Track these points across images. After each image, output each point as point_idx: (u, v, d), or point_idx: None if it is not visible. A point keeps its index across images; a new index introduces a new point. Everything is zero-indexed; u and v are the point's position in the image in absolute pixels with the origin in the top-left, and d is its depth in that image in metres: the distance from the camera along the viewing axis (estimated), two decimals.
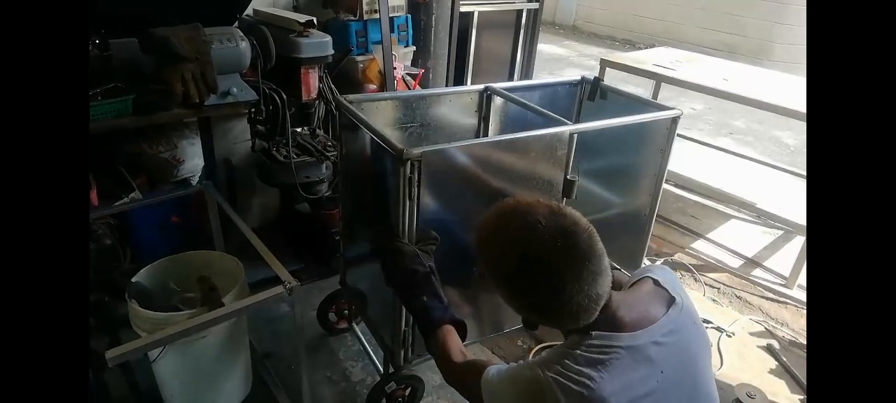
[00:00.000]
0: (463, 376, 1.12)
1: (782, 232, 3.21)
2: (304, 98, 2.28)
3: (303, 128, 2.39)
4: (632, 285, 1.14)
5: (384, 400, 1.80)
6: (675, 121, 1.97)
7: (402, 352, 1.71)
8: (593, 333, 0.95)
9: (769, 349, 2.33)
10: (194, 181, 2.45)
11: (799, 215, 2.77)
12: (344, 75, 2.57)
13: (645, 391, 0.95)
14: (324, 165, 2.36)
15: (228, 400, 1.80)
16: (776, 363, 2.26)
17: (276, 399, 1.89)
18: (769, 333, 2.44)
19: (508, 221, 0.96)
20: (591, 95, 2.32)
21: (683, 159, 3.35)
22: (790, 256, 2.82)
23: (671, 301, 1.05)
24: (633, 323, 0.98)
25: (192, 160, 2.35)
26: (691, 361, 1.03)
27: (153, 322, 1.52)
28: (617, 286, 1.04)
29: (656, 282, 1.08)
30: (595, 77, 2.34)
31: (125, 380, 1.81)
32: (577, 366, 0.91)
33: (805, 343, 2.38)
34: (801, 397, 2.09)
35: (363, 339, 2.10)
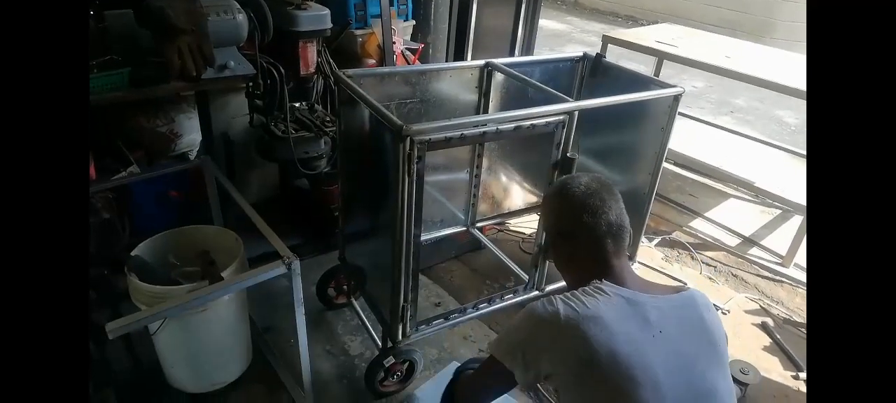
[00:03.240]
0: (475, 376, 1.26)
1: (780, 211, 3.22)
2: (303, 72, 2.25)
3: (301, 103, 2.37)
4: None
5: (382, 374, 1.82)
6: (676, 99, 1.96)
7: (401, 327, 1.72)
8: (599, 280, 1.08)
9: (764, 326, 2.36)
10: (192, 155, 2.44)
11: (797, 194, 2.78)
12: (342, 49, 2.53)
13: (641, 337, 1.00)
14: (322, 141, 2.34)
15: (228, 373, 1.82)
16: (770, 340, 2.29)
17: (276, 373, 1.92)
18: (764, 311, 2.46)
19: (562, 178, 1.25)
20: (592, 72, 2.30)
21: (683, 137, 3.34)
22: (787, 235, 2.83)
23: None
24: (636, 286, 1.09)
25: (190, 134, 2.33)
26: (697, 339, 1.05)
27: (153, 295, 1.52)
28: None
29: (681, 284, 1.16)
30: (597, 53, 2.32)
31: (127, 353, 1.83)
32: (579, 295, 1.05)
33: (799, 321, 2.41)
34: (794, 373, 2.12)
35: (362, 314, 2.12)
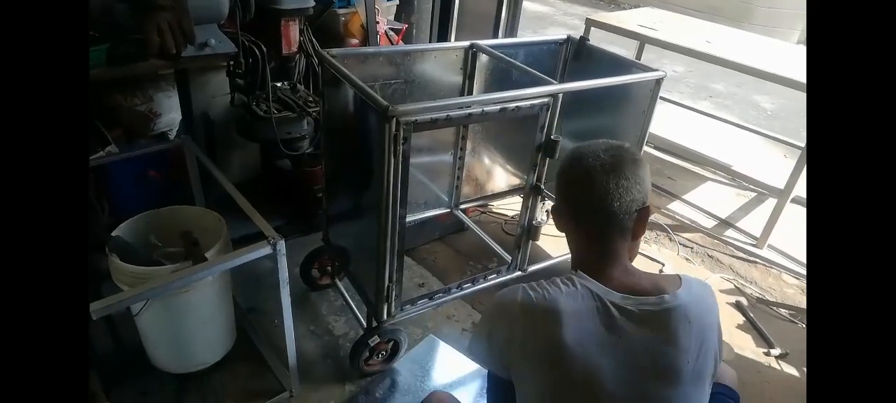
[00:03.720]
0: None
1: (755, 194, 3.30)
2: (285, 51, 2.22)
3: (283, 83, 2.34)
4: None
5: (367, 353, 1.84)
6: (658, 82, 1.99)
7: (386, 307, 1.74)
8: (576, 272, 1.04)
9: (738, 306, 2.43)
10: (171, 135, 2.40)
11: (772, 178, 2.86)
12: (325, 28, 2.50)
13: (598, 339, 0.95)
14: (305, 121, 2.32)
15: (213, 354, 1.82)
16: (744, 319, 2.37)
17: (260, 353, 1.92)
18: (738, 291, 2.54)
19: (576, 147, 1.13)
20: (576, 55, 2.32)
21: (663, 121, 3.39)
22: (762, 218, 2.91)
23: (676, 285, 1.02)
24: (621, 282, 1.02)
25: (169, 113, 2.29)
26: (663, 352, 0.97)
27: (135, 276, 1.51)
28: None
29: (680, 278, 1.05)
30: (580, 36, 2.33)
31: (109, 335, 1.81)
32: (546, 284, 1.02)
33: (771, 300, 2.49)
34: (765, 350, 2.20)
35: (346, 295, 2.13)
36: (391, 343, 1.89)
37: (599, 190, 1.02)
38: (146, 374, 1.77)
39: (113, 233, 1.64)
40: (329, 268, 2.24)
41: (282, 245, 1.48)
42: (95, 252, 1.76)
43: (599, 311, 0.97)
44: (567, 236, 1.13)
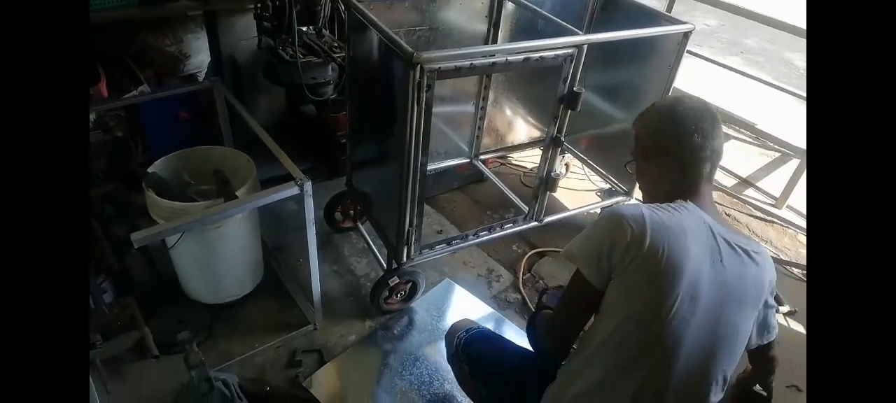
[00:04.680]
0: (556, 312, 1.22)
1: (779, 154, 3.26)
2: None
3: (308, 27, 2.35)
4: None
5: (387, 292, 1.93)
6: (686, 36, 1.95)
7: (406, 250, 1.81)
8: (684, 200, 1.11)
9: None
10: (200, 77, 2.46)
11: (797, 138, 2.81)
12: None
13: (705, 259, 1.04)
14: (330, 67, 2.35)
15: (242, 287, 1.93)
16: None
17: (286, 288, 2.03)
18: None
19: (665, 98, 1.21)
20: (603, 6, 2.28)
21: (689, 77, 3.33)
22: (783, 178, 2.89)
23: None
24: (715, 215, 1.12)
25: (198, 55, 2.34)
26: (744, 278, 1.08)
27: (171, 210, 1.60)
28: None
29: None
30: None
31: (146, 266, 1.92)
32: (665, 206, 1.09)
33: (785, 259, 2.51)
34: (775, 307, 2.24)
35: (368, 238, 2.21)
36: (410, 284, 1.98)
37: (707, 127, 1.11)
38: (181, 303, 1.89)
39: (149, 170, 1.72)
40: (352, 212, 2.32)
41: (309, 186, 1.54)
42: (131, 187, 1.86)
43: (710, 236, 1.07)
44: (652, 183, 1.20)
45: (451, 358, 1.52)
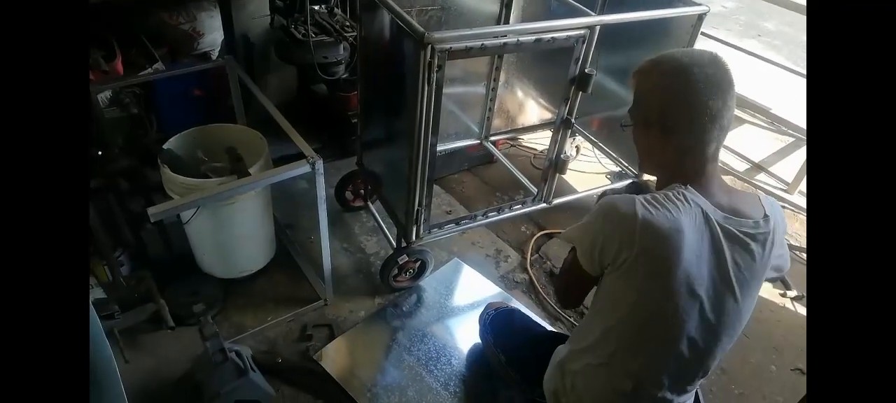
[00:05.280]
0: (567, 272, 1.24)
1: (793, 139, 3.23)
2: None
3: (321, 6, 2.36)
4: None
5: (396, 270, 1.96)
6: (700, 18, 1.93)
7: (415, 229, 1.84)
8: (685, 186, 1.04)
9: None
10: (213, 55, 2.48)
11: None
12: None
13: (704, 253, 1.00)
14: (341, 46, 2.36)
15: (254, 262, 1.97)
16: None
17: (298, 265, 2.07)
18: None
19: (677, 51, 1.09)
20: None
21: None
22: (796, 163, 2.86)
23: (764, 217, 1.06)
24: (719, 196, 1.05)
25: (212, 34, 2.36)
26: (745, 271, 1.05)
27: (186, 186, 1.63)
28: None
29: (760, 198, 1.09)
30: None
31: (161, 241, 1.97)
32: (661, 200, 1.02)
33: (794, 244, 2.50)
34: (782, 291, 2.25)
35: (378, 217, 2.24)
36: (418, 263, 2.01)
37: (716, 106, 0.99)
38: (196, 277, 1.94)
39: (164, 147, 1.75)
40: (362, 191, 2.35)
41: (320, 164, 1.57)
42: (146, 163, 1.89)
43: (708, 230, 1.01)
44: (653, 161, 1.12)
45: (480, 329, 1.73)
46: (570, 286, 1.26)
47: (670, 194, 1.03)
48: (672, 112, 1.04)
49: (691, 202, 1.01)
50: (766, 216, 1.06)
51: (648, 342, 1.10)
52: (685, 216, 1.00)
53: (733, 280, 1.05)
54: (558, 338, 1.47)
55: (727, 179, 2.88)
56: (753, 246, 1.05)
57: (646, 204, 1.00)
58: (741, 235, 1.04)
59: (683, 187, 1.04)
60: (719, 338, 1.10)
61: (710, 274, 1.03)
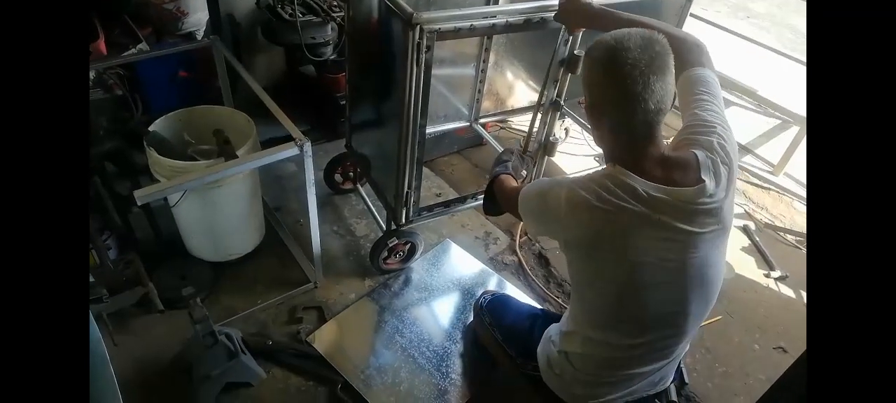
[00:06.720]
0: (509, 198, 1.38)
1: (779, 121, 3.26)
2: None
3: None
4: (676, 144, 1.15)
5: (386, 252, 1.97)
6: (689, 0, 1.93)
7: (404, 211, 1.84)
8: (618, 167, 1.07)
9: (745, 229, 2.50)
10: (199, 35, 2.44)
11: (797, 104, 2.81)
12: None
13: (636, 229, 1.05)
14: (329, 26, 2.33)
15: (244, 246, 1.97)
16: (749, 241, 2.44)
17: (287, 247, 2.07)
18: (748, 215, 2.59)
19: (611, 34, 1.06)
20: None
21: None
22: (782, 145, 2.90)
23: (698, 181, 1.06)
24: (655, 176, 1.06)
25: (196, 13, 2.32)
26: (690, 240, 1.08)
27: (173, 169, 1.62)
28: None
29: (696, 158, 1.08)
30: None
31: (149, 224, 1.95)
32: (589, 181, 1.08)
33: (779, 226, 2.55)
34: (766, 272, 2.29)
35: (367, 199, 2.24)
36: (408, 245, 2.01)
37: (636, 90, 1.00)
38: (184, 261, 1.93)
39: (150, 129, 1.73)
40: (351, 174, 2.34)
41: (308, 147, 1.56)
42: (132, 145, 1.87)
43: (638, 205, 1.04)
44: (598, 138, 1.17)
45: (476, 313, 1.77)
46: (501, 204, 1.44)
47: (595, 175, 1.09)
48: (597, 94, 1.08)
49: (618, 179, 1.05)
50: (699, 179, 1.05)
51: (622, 313, 1.17)
52: (628, 211, 1.04)
53: (693, 255, 1.09)
54: (550, 316, 1.57)
55: None
56: (705, 216, 1.06)
57: (573, 186, 1.09)
58: (677, 203, 1.05)
59: (611, 166, 1.09)
60: (688, 300, 1.14)
61: (665, 260, 1.08)
